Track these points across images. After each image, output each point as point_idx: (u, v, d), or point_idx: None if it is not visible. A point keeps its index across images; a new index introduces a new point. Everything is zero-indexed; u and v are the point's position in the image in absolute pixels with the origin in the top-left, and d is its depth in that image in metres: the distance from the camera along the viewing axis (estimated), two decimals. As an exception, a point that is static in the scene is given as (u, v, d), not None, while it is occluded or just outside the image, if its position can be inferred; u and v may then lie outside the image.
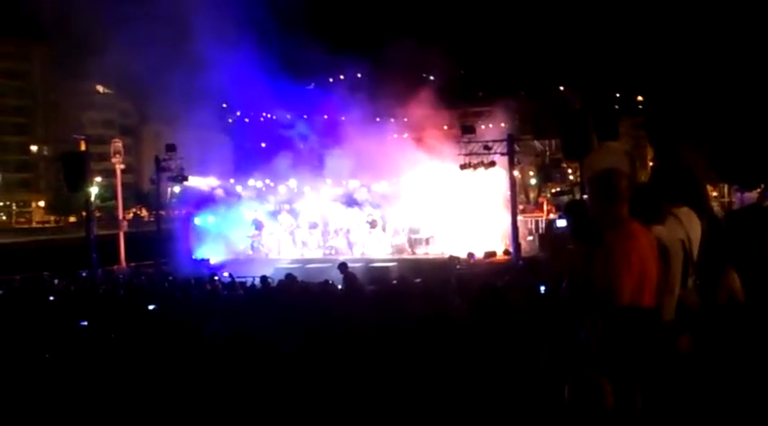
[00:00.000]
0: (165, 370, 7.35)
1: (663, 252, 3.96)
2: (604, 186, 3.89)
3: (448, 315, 8.89)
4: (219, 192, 28.05)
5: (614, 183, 3.86)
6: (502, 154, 23.80)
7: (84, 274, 19.85)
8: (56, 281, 15.08)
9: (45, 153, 65.88)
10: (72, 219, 55.70)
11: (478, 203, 24.47)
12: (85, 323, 9.78)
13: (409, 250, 25.16)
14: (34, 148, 68.99)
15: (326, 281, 13.94)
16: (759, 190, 28.79)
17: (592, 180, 4.05)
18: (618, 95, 60.65)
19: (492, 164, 23.73)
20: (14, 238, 43.37)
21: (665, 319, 3.86)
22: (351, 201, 26.46)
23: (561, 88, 52.42)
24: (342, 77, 47.15)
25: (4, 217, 65.97)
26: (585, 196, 4.27)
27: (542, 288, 9.01)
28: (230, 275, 17.17)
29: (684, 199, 4.46)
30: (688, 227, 4.27)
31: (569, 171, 26.55)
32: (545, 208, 26.34)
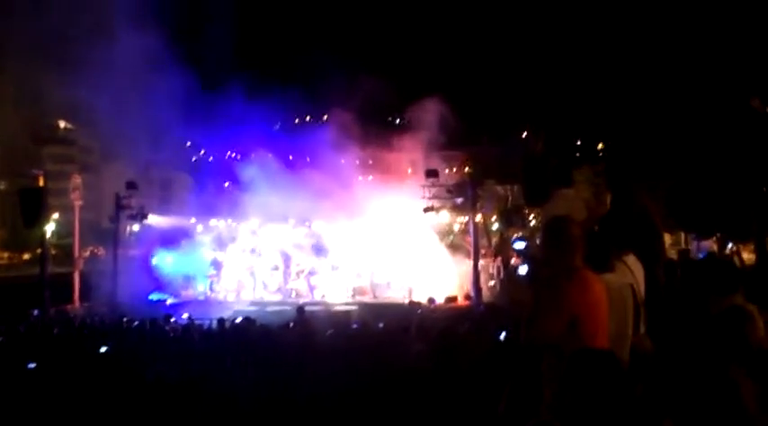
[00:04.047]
0: (110, 413, 7.11)
1: (613, 298, 3.98)
2: (556, 234, 3.91)
3: (408, 361, 8.81)
4: (179, 231, 27.71)
5: (566, 231, 3.87)
6: (464, 198, 23.97)
7: (35, 313, 19.31)
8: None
9: (1, 187, 64.53)
10: (26, 256, 54.36)
11: (440, 247, 24.56)
12: (34, 365, 9.46)
13: (371, 293, 25.05)
14: (-11, 182, 67.45)
15: (287, 325, 13.77)
16: (716, 239, 29.31)
17: (544, 227, 4.08)
18: (579, 142, 61.67)
19: (455, 208, 23.90)
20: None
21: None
22: (316, 247, 26.35)
23: (524, 134, 53.20)
24: (308, 118, 47.38)
25: (-45, 253, 64.01)
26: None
27: (503, 335, 8.99)
28: (189, 316, 16.87)
29: (638, 246, 4.51)
30: (636, 274, 4.31)
31: (531, 216, 26.78)
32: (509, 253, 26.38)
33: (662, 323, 4.35)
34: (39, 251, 25.22)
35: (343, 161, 29.04)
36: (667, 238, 23.83)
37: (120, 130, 29.74)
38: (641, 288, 4.34)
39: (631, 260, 4.42)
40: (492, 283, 24.43)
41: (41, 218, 22.19)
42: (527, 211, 25.75)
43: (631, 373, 3.91)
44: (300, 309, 15.15)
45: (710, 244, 29.25)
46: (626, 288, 4.19)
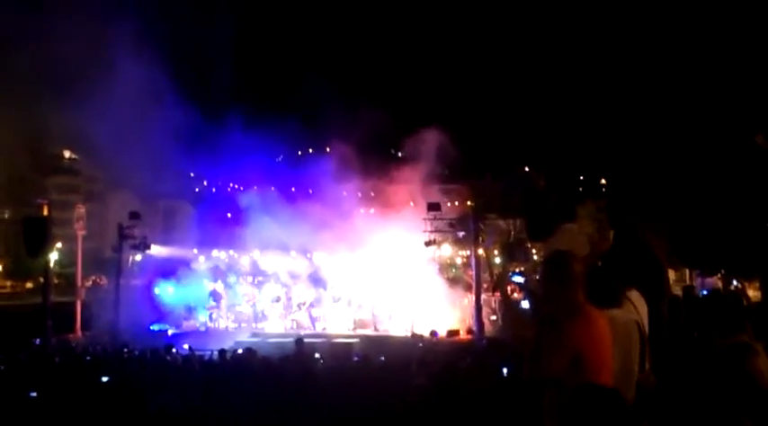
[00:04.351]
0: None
1: (618, 334, 3.96)
2: (556, 269, 3.89)
3: (410, 395, 8.76)
4: (182, 262, 27.72)
5: (567, 266, 3.85)
6: (466, 232, 23.98)
7: (37, 342, 19.25)
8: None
9: (6, 216, 64.62)
10: (29, 285, 54.32)
11: (442, 280, 24.52)
12: (35, 394, 9.43)
13: (372, 325, 24.94)
14: (-5, 211, 67.60)
15: (287, 357, 13.68)
16: (720, 275, 29.24)
17: (544, 262, 4.06)
18: (581, 178, 61.86)
19: (457, 241, 23.88)
20: (-33, 303, 42.13)
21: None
22: (314, 278, 26.33)
23: (526, 168, 53.44)
24: (310, 151, 47.69)
25: (-41, 281, 63.89)
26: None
27: (505, 370, 8.94)
28: (190, 347, 16.79)
29: (642, 282, 4.51)
30: (640, 310, 4.30)
31: (533, 251, 26.79)
32: (509, 287, 26.27)
33: (666, 359, 4.34)
34: (41, 280, 25.13)
35: (345, 193, 29.16)
36: (672, 275, 23.79)
37: (124, 161, 29.91)
38: (645, 323, 4.33)
39: (635, 296, 4.41)
40: (494, 317, 24.34)
41: (45, 248, 22.13)
42: (530, 246, 25.75)
43: (636, 410, 3.89)
44: (299, 341, 15.04)
45: (715, 281, 29.18)
46: (632, 324, 4.17)
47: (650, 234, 5.17)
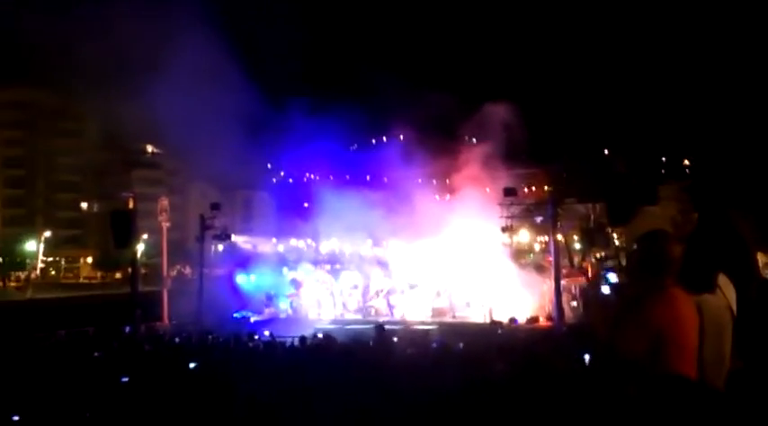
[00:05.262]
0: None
1: (711, 320, 3.84)
2: (651, 249, 3.75)
3: (490, 381, 8.73)
4: (261, 251, 28.33)
5: (662, 247, 3.71)
6: (545, 217, 23.66)
7: (127, 330, 20.04)
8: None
9: (95, 210, 67.42)
10: (118, 275, 56.57)
11: (519, 266, 24.26)
12: (126, 379, 9.84)
13: (450, 312, 24.91)
14: (84, 205, 70.59)
15: (367, 343, 13.84)
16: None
17: (637, 242, 3.90)
18: (663, 159, 60.06)
19: (534, 227, 23.60)
20: (62, 293, 44.18)
21: (714, 390, 3.72)
22: (380, 263, 26.50)
23: (606, 151, 52.22)
24: (384, 139, 47.86)
25: (53, 272, 67.08)
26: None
27: (587, 357, 8.79)
28: (271, 334, 17.16)
29: (729, 266, 4.36)
30: (728, 295, 4.16)
31: (614, 235, 26.23)
32: (589, 272, 25.86)
33: (755, 343, 4.20)
34: (130, 270, 26.06)
35: (419, 180, 29.14)
36: (763, 258, 22.86)
37: (204, 154, 30.69)
38: (733, 308, 4.20)
39: (722, 280, 4.27)
40: (574, 304, 23.93)
41: (132, 239, 22.90)
42: (610, 230, 25.22)
43: (727, 396, 3.76)
44: (380, 328, 15.19)
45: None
46: (724, 309, 4.04)
47: (738, 215, 4.99)
